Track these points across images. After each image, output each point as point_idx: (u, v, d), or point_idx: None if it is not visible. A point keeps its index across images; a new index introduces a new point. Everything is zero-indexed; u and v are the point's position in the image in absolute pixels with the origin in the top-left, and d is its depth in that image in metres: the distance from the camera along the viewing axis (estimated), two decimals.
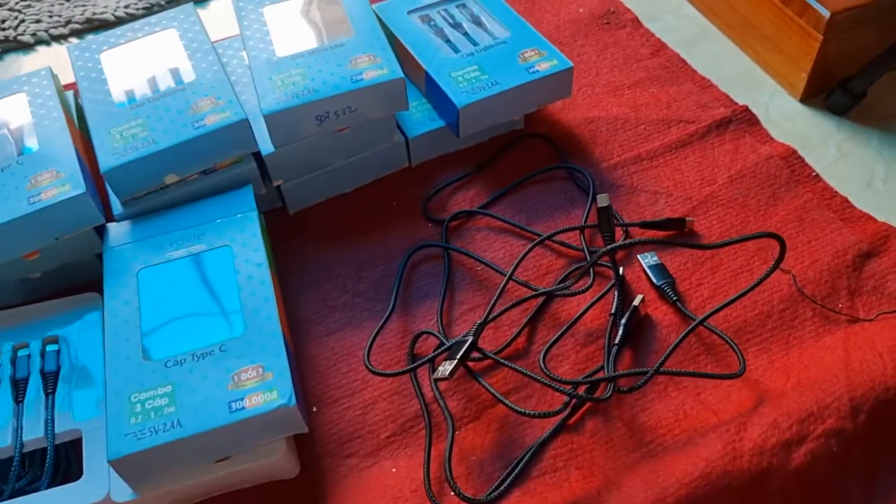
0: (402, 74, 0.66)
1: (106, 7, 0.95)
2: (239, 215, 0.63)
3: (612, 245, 0.59)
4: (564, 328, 0.62)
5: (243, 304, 0.57)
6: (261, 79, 0.66)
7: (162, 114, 0.64)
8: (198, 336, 0.55)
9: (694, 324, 0.60)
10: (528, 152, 0.76)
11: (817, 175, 0.73)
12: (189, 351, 0.54)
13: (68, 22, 0.93)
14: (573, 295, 0.64)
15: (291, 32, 0.70)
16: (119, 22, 0.94)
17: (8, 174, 0.61)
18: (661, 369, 0.56)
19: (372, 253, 0.69)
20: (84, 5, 0.95)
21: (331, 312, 0.65)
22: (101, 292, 0.62)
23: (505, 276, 0.63)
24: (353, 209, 0.72)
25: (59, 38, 0.93)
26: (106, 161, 0.61)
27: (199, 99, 0.65)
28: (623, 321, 0.61)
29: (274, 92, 0.65)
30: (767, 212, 0.70)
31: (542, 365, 0.58)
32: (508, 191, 0.73)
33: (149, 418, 0.51)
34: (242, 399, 0.52)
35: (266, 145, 0.67)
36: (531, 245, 0.66)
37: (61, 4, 0.95)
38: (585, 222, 0.69)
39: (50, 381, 0.57)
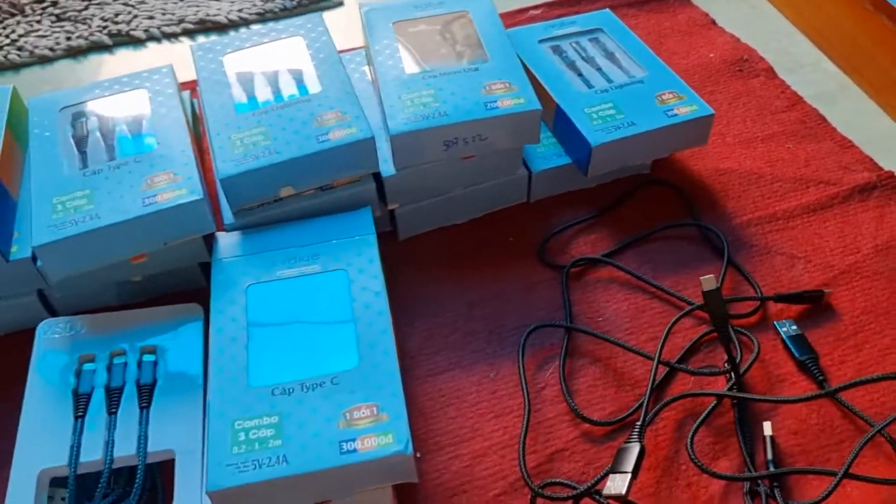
0: (539, 106, 0.62)
1: (220, 9, 0.93)
2: (357, 237, 0.59)
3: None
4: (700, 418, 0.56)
5: (358, 335, 0.53)
6: (389, 97, 0.63)
7: (285, 123, 0.61)
8: (308, 364, 0.51)
9: (873, 431, 0.53)
10: (653, 200, 0.72)
11: None
12: (298, 380, 0.50)
13: (181, 21, 0.92)
14: (714, 374, 0.58)
15: (422, 51, 0.67)
16: (231, 25, 0.92)
17: (125, 171, 0.59)
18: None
19: (485, 291, 0.64)
20: (198, 6, 0.94)
21: (439, 350, 0.61)
22: (199, 302, 0.59)
23: (651, 359, 0.57)
24: (465, 241, 0.68)
25: (170, 37, 0.91)
26: (225, 168, 0.58)
27: (325, 112, 0.61)
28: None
29: (403, 111, 0.61)
30: None
31: (691, 452, 0.53)
32: (633, 241, 0.68)
33: (253, 450, 0.47)
34: (354, 440, 0.47)
35: (386, 166, 0.63)
36: (678, 316, 0.61)
37: (175, 3, 0.94)
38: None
39: (145, 394, 0.54)
